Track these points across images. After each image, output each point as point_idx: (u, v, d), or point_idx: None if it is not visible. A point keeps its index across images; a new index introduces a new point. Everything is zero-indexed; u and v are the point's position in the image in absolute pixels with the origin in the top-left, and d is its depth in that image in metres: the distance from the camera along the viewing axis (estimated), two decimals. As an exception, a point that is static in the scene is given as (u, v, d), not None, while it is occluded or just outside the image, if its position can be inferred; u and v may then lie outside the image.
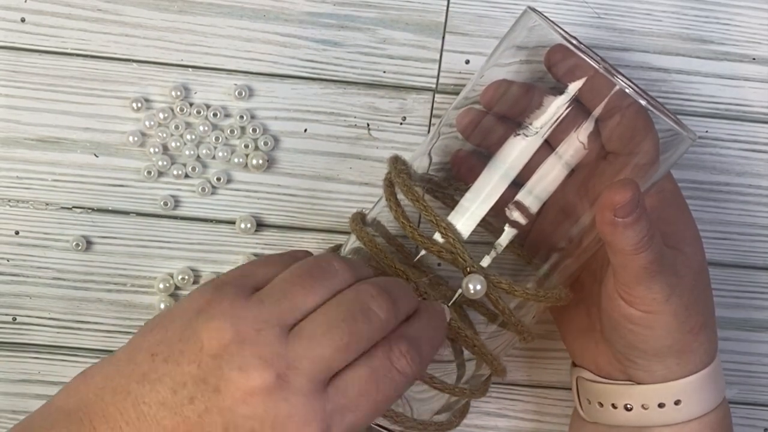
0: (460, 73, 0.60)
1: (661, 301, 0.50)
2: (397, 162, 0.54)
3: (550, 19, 0.51)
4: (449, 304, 0.51)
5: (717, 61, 0.61)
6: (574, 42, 0.50)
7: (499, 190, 0.51)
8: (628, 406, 0.53)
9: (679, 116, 0.61)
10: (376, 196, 0.61)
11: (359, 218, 0.54)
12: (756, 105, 0.62)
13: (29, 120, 0.59)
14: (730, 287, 0.62)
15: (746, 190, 0.62)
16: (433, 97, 0.60)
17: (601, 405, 0.54)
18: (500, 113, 0.53)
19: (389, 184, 0.53)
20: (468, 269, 0.50)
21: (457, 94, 0.60)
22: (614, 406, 0.54)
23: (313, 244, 0.61)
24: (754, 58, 0.61)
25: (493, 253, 0.51)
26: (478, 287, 0.49)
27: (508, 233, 0.52)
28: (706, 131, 0.61)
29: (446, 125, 0.54)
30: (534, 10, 0.51)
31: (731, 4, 0.61)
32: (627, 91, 0.48)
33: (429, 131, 0.61)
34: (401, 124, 0.61)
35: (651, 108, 0.49)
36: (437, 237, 0.51)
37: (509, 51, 0.52)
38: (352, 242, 0.54)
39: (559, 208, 0.52)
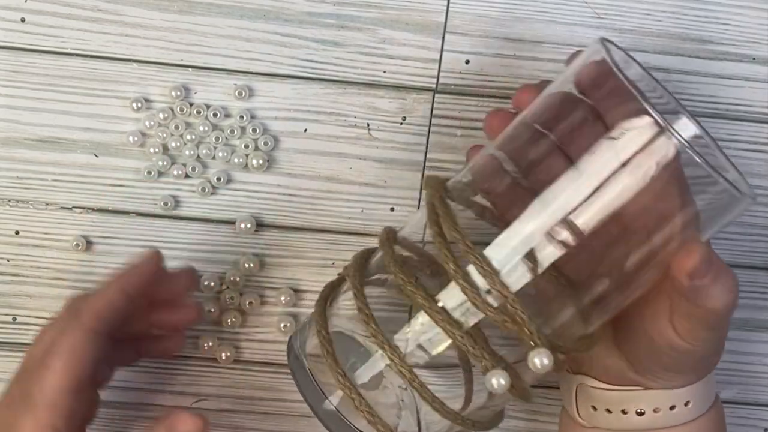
0: (460, 73, 0.60)
1: (717, 338, 0.50)
2: (439, 185, 0.49)
3: (627, 54, 0.48)
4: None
5: (717, 61, 0.61)
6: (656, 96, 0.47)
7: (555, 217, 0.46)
8: (639, 410, 0.53)
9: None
10: (376, 196, 0.61)
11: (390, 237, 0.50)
12: (756, 105, 0.62)
13: (29, 120, 0.59)
14: (730, 287, 0.62)
15: (746, 190, 0.62)
16: (433, 97, 0.61)
17: (609, 411, 0.54)
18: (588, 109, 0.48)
19: (435, 223, 0.48)
20: (534, 342, 0.45)
21: (457, 94, 0.61)
22: (624, 412, 0.53)
23: (313, 244, 0.61)
24: (754, 58, 0.61)
25: (528, 274, 0.47)
26: (545, 362, 0.45)
27: (550, 254, 0.47)
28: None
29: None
30: (607, 43, 0.47)
31: (731, 4, 0.61)
32: (683, 153, 0.44)
33: (429, 131, 0.61)
34: (401, 124, 0.61)
35: (709, 169, 0.44)
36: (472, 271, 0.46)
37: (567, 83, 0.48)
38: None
39: (616, 231, 0.48)
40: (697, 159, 0.44)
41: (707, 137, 0.49)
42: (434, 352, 0.49)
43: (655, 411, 0.52)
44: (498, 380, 0.46)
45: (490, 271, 0.45)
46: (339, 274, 0.53)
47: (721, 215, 0.47)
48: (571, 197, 0.46)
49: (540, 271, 0.47)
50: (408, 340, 0.49)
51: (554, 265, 0.47)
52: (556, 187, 0.46)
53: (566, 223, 0.46)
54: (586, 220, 0.46)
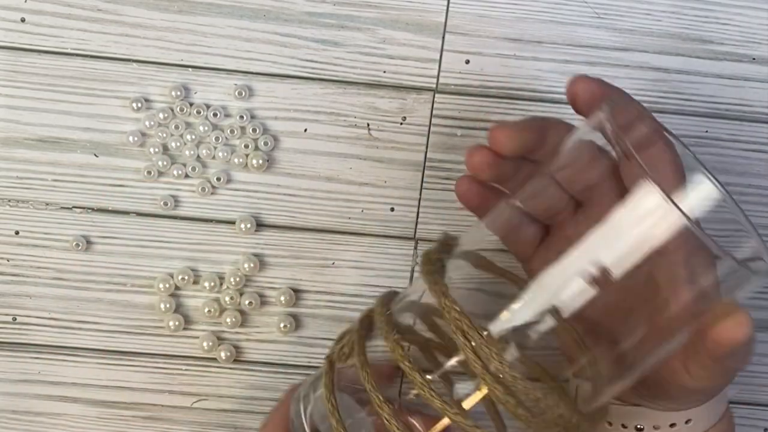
0: (460, 73, 0.60)
1: (730, 375, 0.49)
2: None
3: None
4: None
5: (717, 61, 0.61)
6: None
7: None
8: (639, 426, 0.53)
9: (678, 116, 0.61)
10: (376, 196, 0.61)
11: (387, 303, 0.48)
12: (756, 105, 0.62)
13: (29, 120, 0.59)
14: (730, 287, 0.62)
15: (746, 190, 0.62)
16: (433, 97, 0.60)
17: (610, 424, 0.54)
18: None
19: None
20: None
21: (457, 94, 0.61)
22: (624, 426, 0.53)
23: (313, 244, 0.61)
24: (754, 58, 0.61)
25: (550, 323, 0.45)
26: None
27: (576, 300, 0.45)
28: (706, 131, 0.61)
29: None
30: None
31: (731, 4, 0.61)
32: (692, 229, 0.42)
33: (429, 131, 0.61)
34: (401, 124, 0.61)
35: (714, 248, 0.43)
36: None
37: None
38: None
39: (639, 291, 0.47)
40: (705, 240, 0.43)
41: (729, 200, 0.47)
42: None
43: (654, 428, 0.52)
44: None
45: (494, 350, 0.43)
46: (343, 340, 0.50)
47: (737, 288, 0.45)
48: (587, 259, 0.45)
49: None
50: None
51: (574, 326, 0.46)
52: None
53: (589, 279, 0.45)
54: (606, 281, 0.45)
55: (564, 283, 0.45)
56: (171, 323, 0.61)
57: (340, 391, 0.48)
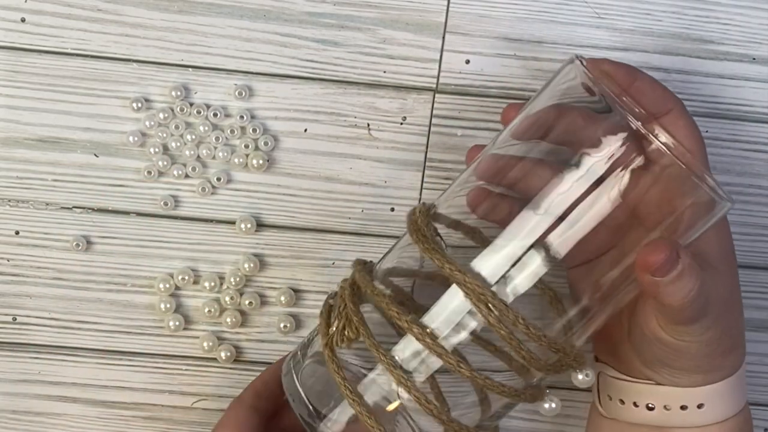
0: (460, 73, 0.60)
1: (698, 335, 0.50)
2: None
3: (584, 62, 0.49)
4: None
5: (717, 61, 0.61)
6: (626, 100, 0.48)
7: (540, 228, 0.48)
8: (650, 405, 0.53)
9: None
10: (376, 196, 0.61)
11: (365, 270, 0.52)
12: (756, 105, 0.62)
13: (29, 120, 0.59)
14: (730, 287, 0.62)
15: (746, 190, 0.62)
16: (433, 97, 0.60)
17: (623, 402, 0.54)
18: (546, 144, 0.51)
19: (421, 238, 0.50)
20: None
21: (457, 94, 0.61)
22: (636, 405, 0.53)
23: (313, 244, 0.61)
24: (754, 58, 0.61)
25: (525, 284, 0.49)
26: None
27: (540, 267, 0.49)
28: (706, 131, 0.61)
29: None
30: (580, 59, 0.49)
31: (731, 4, 0.61)
32: (666, 153, 0.46)
33: (429, 131, 0.61)
34: (401, 124, 0.61)
35: (692, 175, 0.46)
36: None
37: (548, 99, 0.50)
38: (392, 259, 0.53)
39: (597, 245, 0.51)
40: (680, 162, 0.45)
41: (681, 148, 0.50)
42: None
43: (665, 408, 0.53)
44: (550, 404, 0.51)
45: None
46: (329, 302, 0.53)
47: (701, 220, 0.48)
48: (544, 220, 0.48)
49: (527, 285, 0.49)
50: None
51: (541, 280, 0.49)
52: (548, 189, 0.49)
53: (545, 243, 0.48)
54: (561, 240, 0.48)
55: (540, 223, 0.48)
56: (171, 323, 0.61)
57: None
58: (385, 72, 0.60)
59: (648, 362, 0.52)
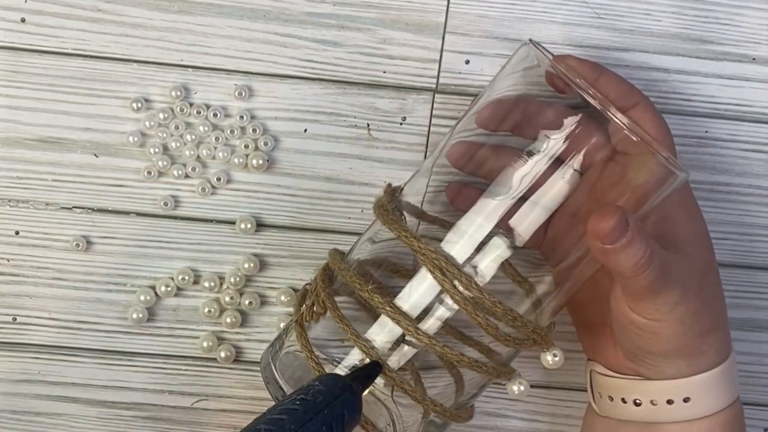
0: (460, 73, 0.60)
1: (666, 311, 0.50)
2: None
3: (547, 52, 0.51)
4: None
5: (717, 61, 0.61)
6: (579, 82, 0.49)
7: (500, 209, 0.50)
8: (637, 401, 0.53)
9: (679, 116, 0.61)
10: (376, 196, 0.61)
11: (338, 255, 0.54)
12: (756, 105, 0.62)
13: (29, 120, 0.59)
14: (730, 287, 0.62)
15: (746, 190, 0.62)
16: (433, 97, 0.60)
17: (611, 399, 0.54)
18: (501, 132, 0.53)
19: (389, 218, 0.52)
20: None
21: (457, 94, 0.61)
22: (624, 401, 0.54)
23: (313, 244, 0.61)
24: (754, 58, 0.61)
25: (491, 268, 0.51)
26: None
27: (504, 252, 0.51)
28: (706, 131, 0.61)
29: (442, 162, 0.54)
30: (534, 43, 0.51)
31: (731, 4, 0.61)
32: (625, 130, 0.48)
33: (429, 131, 0.61)
34: (401, 124, 0.61)
35: (647, 146, 0.48)
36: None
37: (506, 82, 0.52)
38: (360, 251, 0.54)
39: (560, 225, 0.52)
40: (633, 137, 0.47)
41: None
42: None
43: (652, 403, 0.53)
44: (519, 387, 0.52)
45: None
46: (305, 287, 0.55)
47: (655, 191, 0.49)
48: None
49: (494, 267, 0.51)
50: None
51: (507, 261, 0.51)
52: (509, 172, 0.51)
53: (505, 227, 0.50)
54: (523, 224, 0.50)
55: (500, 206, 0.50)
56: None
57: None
58: (384, 72, 0.60)
59: (631, 354, 0.53)
